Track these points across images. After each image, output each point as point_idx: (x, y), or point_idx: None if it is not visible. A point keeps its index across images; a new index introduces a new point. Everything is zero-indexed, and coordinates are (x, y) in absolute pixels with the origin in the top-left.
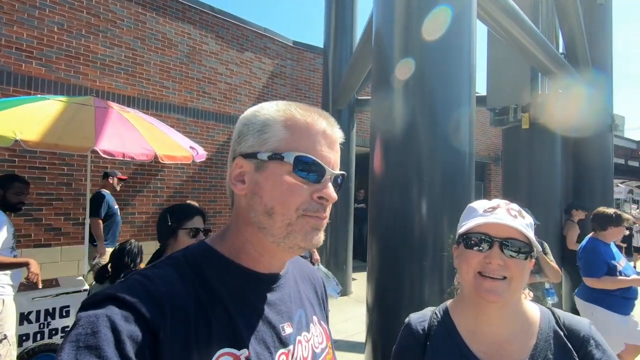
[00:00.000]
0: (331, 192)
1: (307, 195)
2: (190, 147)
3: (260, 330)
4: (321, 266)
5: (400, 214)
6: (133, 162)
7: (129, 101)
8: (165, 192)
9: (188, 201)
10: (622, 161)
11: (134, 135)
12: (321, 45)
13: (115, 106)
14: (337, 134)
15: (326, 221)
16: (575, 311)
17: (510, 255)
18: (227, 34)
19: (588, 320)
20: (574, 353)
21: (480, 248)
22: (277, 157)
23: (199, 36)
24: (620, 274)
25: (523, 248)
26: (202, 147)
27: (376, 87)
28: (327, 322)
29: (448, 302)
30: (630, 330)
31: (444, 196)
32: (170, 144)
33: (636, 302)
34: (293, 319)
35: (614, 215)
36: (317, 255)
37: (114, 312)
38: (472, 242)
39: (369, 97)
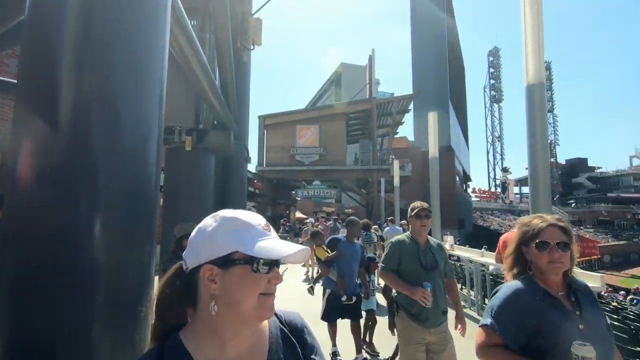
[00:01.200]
0: None
1: None
2: None
3: None
4: None
5: (62, 236)
6: None
7: None
8: None
9: None
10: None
11: None
12: None
13: None
14: None
15: None
16: None
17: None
18: None
19: (297, 312)
20: (297, 345)
21: (269, 269)
22: None
23: None
24: None
25: None
26: None
27: (26, 71)
28: None
29: (180, 336)
30: None
31: (128, 217)
32: None
33: None
34: None
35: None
36: None
37: None
38: (263, 265)
39: None
